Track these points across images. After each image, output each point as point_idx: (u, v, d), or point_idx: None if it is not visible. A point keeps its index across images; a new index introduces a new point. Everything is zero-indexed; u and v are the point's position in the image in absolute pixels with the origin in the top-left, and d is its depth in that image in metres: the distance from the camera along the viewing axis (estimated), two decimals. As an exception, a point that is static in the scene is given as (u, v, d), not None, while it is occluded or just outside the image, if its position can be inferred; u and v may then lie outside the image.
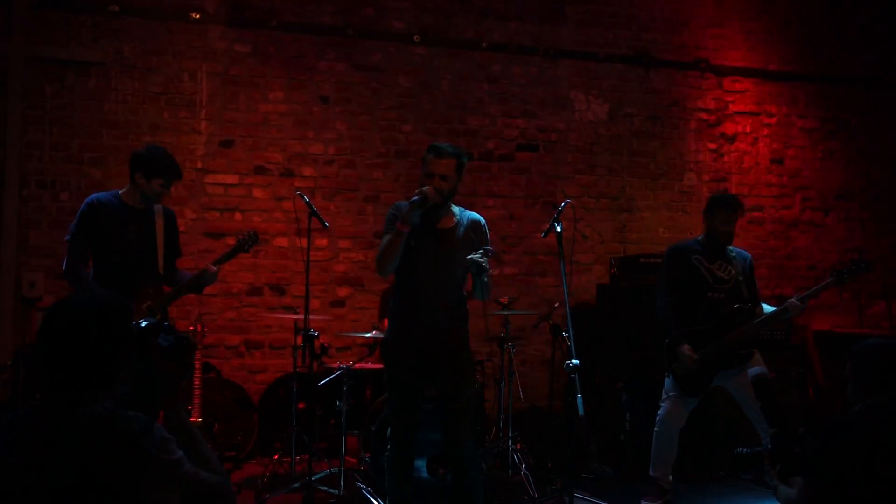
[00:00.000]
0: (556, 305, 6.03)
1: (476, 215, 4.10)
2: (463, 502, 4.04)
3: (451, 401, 4.02)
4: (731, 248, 5.02)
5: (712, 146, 7.56)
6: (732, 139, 7.60)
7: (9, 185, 6.00)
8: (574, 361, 3.73)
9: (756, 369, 4.95)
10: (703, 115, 7.54)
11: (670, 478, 4.94)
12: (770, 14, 7.71)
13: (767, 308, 4.90)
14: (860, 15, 7.88)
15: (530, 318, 6.54)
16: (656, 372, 5.72)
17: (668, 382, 4.93)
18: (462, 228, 4.01)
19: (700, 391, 4.85)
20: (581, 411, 3.65)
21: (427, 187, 3.86)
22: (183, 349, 2.14)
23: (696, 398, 4.88)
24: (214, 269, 4.52)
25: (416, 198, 3.81)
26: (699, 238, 5.05)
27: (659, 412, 4.95)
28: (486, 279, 3.83)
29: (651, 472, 4.96)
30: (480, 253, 3.78)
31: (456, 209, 4.07)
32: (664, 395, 4.94)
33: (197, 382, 5.19)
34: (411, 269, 3.93)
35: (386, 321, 4.41)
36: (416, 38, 6.83)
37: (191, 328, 5.25)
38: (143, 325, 2.15)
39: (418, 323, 3.95)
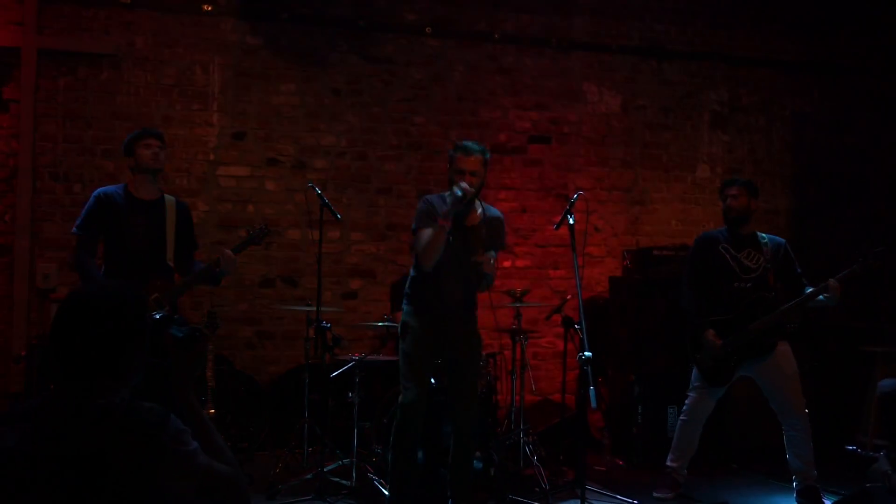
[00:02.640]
0: (568, 298, 6.02)
1: (497, 212, 4.38)
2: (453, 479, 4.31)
3: (460, 379, 4.26)
4: (762, 234, 5.00)
5: (725, 138, 7.51)
6: (746, 131, 7.56)
7: (22, 177, 6.03)
8: (586, 354, 3.74)
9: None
10: (717, 107, 7.49)
11: (685, 471, 4.93)
12: (783, 4, 7.64)
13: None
14: (874, 5, 7.80)
15: (542, 310, 6.53)
16: (669, 364, 5.72)
17: (693, 373, 4.93)
18: (485, 225, 4.25)
19: (725, 381, 4.83)
20: (593, 404, 3.66)
21: (464, 184, 4.03)
22: (196, 340, 2.14)
23: (722, 388, 4.87)
24: (232, 255, 4.41)
25: (458, 193, 3.97)
26: (725, 228, 5.04)
27: (686, 402, 4.95)
28: (488, 281, 4.15)
29: (668, 462, 4.94)
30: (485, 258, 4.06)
31: (479, 204, 4.29)
32: (690, 386, 4.95)
33: (210, 374, 5.20)
34: (438, 261, 4.11)
35: (398, 314, 4.56)
36: (428, 29, 6.81)
37: (203, 320, 5.26)
38: (157, 316, 2.16)
39: (438, 309, 4.21)
